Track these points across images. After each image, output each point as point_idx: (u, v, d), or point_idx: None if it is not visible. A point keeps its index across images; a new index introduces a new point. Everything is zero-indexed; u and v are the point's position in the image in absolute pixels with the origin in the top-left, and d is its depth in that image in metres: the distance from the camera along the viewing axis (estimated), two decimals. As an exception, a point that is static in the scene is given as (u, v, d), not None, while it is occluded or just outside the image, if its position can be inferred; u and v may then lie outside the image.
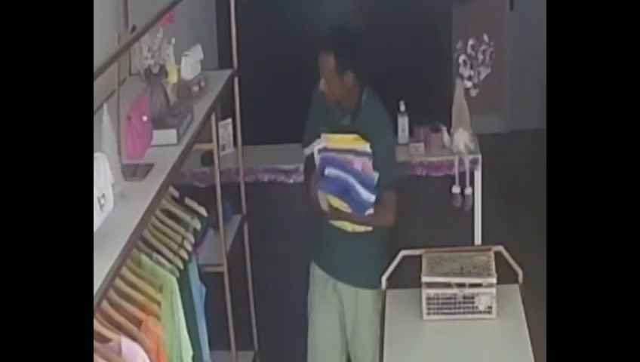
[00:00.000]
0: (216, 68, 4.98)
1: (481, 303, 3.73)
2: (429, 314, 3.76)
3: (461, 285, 3.73)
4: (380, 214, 4.09)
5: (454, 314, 3.74)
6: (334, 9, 5.82)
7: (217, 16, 5.64)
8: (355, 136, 4.04)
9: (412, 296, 3.84)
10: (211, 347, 3.66)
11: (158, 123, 3.35)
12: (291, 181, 4.75)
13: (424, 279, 3.75)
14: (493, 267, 3.78)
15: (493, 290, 3.72)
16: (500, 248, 3.86)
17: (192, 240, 3.48)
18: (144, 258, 3.11)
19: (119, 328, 2.70)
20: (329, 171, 4.07)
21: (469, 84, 4.63)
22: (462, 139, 4.65)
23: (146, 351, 2.67)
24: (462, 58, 4.62)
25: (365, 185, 4.03)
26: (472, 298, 3.73)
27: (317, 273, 4.34)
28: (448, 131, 4.73)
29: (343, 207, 4.11)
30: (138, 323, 2.78)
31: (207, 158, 4.42)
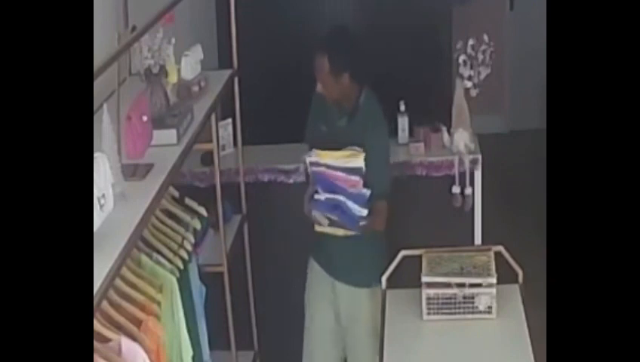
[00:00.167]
0: (216, 68, 4.98)
1: (481, 303, 3.73)
2: (429, 314, 3.76)
3: (461, 285, 3.73)
4: (372, 221, 4.08)
5: (454, 314, 3.74)
6: (334, 9, 5.82)
7: (217, 16, 5.64)
8: (347, 152, 4.02)
9: (412, 296, 3.83)
10: (211, 347, 3.67)
11: (158, 123, 3.35)
12: (291, 181, 4.75)
13: (424, 279, 3.75)
14: (493, 267, 3.78)
15: (493, 290, 3.72)
16: (500, 248, 3.86)
17: (192, 240, 3.48)
18: (144, 258, 3.11)
19: (119, 328, 2.70)
20: (319, 196, 4.06)
21: (469, 84, 4.63)
22: (462, 139, 4.65)
23: (146, 351, 2.68)
24: (462, 58, 4.62)
25: (356, 202, 4.03)
26: (472, 298, 3.73)
27: (315, 268, 4.34)
28: (448, 131, 4.73)
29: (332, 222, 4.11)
30: (138, 323, 2.78)
31: (207, 158, 4.42)
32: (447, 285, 3.74)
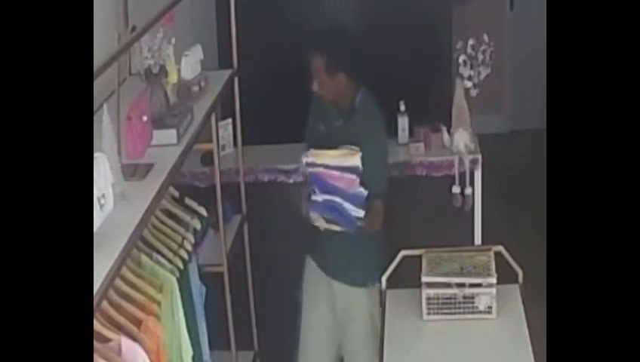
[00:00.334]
0: (216, 68, 4.98)
1: (481, 303, 3.73)
2: (429, 314, 3.76)
3: (461, 285, 3.73)
4: (367, 221, 4.08)
5: (454, 314, 3.74)
6: (334, 9, 5.82)
7: (217, 16, 5.64)
8: (343, 151, 4.02)
9: (412, 296, 3.84)
10: (211, 347, 3.66)
11: (158, 123, 3.35)
12: (291, 181, 4.75)
13: (424, 279, 3.75)
14: (493, 267, 3.78)
15: (493, 290, 3.72)
16: (500, 248, 3.86)
17: (192, 240, 3.48)
18: (144, 258, 3.10)
19: (119, 328, 2.70)
20: (316, 197, 4.06)
21: (469, 84, 4.63)
22: (462, 139, 4.65)
23: (146, 351, 2.67)
24: (462, 58, 4.62)
25: (353, 203, 4.02)
26: (472, 298, 3.73)
27: (312, 266, 4.34)
28: (448, 131, 4.73)
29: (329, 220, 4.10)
30: (138, 323, 2.78)
31: (207, 158, 4.42)
32: (447, 285, 3.74)
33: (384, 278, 3.92)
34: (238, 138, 4.53)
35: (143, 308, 2.84)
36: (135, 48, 3.56)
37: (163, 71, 3.64)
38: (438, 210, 4.75)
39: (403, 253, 3.88)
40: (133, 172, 3.06)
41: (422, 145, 4.81)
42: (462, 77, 4.64)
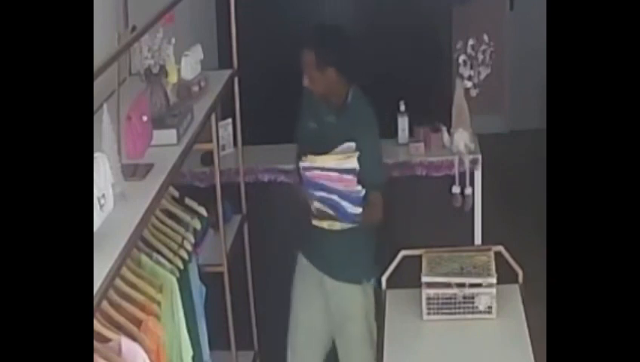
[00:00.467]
0: (216, 68, 4.98)
1: (481, 303, 3.73)
2: (429, 314, 3.76)
3: (461, 285, 3.73)
4: (367, 214, 4.07)
5: (454, 314, 3.74)
6: (334, 9, 5.82)
7: (217, 16, 5.64)
8: (340, 155, 4.02)
9: (412, 296, 3.84)
10: (211, 347, 3.66)
11: (158, 123, 3.35)
12: (291, 181, 4.75)
13: (424, 279, 3.75)
14: (493, 267, 3.78)
15: (493, 290, 3.73)
16: (500, 248, 3.86)
17: (192, 240, 3.48)
18: (144, 258, 3.10)
19: (119, 328, 2.70)
20: (313, 194, 4.06)
21: (469, 84, 4.63)
22: (462, 139, 4.65)
23: (146, 351, 2.67)
24: (462, 58, 4.62)
25: (351, 201, 4.02)
26: (472, 298, 3.73)
27: (303, 263, 4.34)
28: (448, 131, 4.73)
29: (329, 210, 4.09)
30: (138, 323, 2.78)
31: (207, 158, 4.42)
32: (447, 285, 3.74)
33: (384, 278, 3.93)
34: (238, 138, 4.53)
35: (143, 308, 2.84)
36: (135, 48, 3.56)
37: (163, 71, 3.64)
38: (438, 210, 4.75)
39: (403, 253, 3.88)
40: (133, 172, 3.06)
41: (422, 145, 4.81)
42: (462, 77, 4.64)
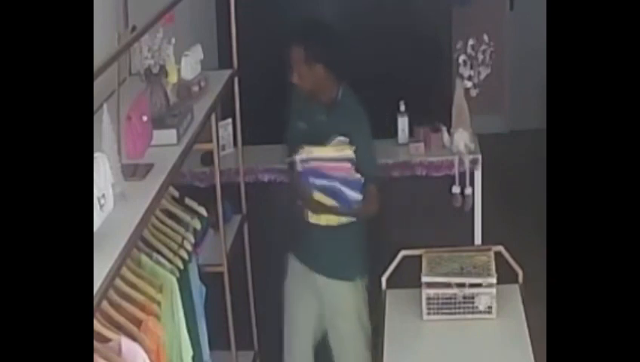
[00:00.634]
0: (216, 68, 4.98)
1: (481, 303, 3.73)
2: (429, 314, 3.76)
3: (461, 285, 3.73)
4: (365, 206, 4.07)
5: (454, 314, 3.75)
6: (334, 9, 5.81)
7: (217, 16, 5.64)
8: (335, 146, 4.02)
9: (412, 296, 3.84)
10: (211, 347, 3.66)
11: (158, 123, 3.35)
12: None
13: (424, 279, 3.75)
14: (493, 267, 3.78)
15: (493, 290, 3.73)
16: (500, 248, 3.87)
17: (192, 240, 3.48)
18: (144, 258, 3.10)
19: (119, 328, 2.70)
20: (313, 180, 4.06)
21: (469, 84, 4.63)
22: (462, 139, 4.65)
23: (146, 351, 2.67)
24: (462, 58, 4.62)
25: (352, 187, 4.02)
26: (472, 298, 3.73)
27: (294, 264, 4.34)
28: (448, 131, 4.73)
29: (329, 201, 4.08)
30: (138, 323, 2.78)
31: (207, 158, 4.42)
32: (447, 285, 3.74)
33: (384, 278, 3.93)
34: (238, 138, 4.53)
35: (143, 308, 2.84)
36: (135, 48, 3.56)
37: (163, 71, 3.64)
38: (438, 210, 4.75)
39: (403, 253, 3.88)
40: (133, 172, 3.06)
41: (422, 145, 4.81)
42: (462, 77, 4.64)
